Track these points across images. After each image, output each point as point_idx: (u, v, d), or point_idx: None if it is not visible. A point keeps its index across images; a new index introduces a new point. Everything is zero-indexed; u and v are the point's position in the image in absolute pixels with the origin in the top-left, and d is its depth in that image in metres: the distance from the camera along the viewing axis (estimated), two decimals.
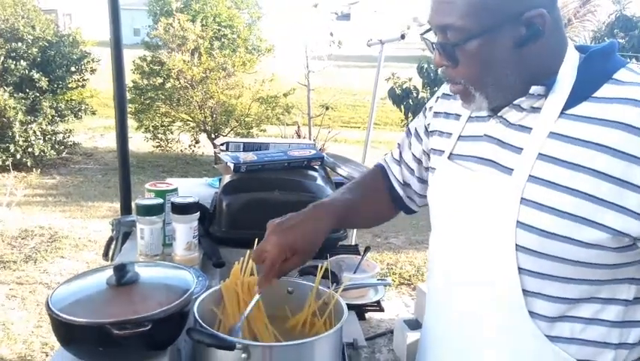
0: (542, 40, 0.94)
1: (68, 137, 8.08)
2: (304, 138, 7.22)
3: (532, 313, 0.98)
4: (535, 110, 0.98)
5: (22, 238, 5.15)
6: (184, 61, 7.93)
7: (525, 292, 0.97)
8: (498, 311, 1.01)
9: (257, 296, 1.13)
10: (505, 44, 0.94)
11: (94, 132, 9.42)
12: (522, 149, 0.98)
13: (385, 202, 1.36)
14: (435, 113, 1.23)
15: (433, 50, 1.02)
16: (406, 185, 1.34)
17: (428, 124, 1.25)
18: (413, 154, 1.31)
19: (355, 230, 3.95)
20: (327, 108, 7.90)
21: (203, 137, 8.50)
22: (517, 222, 0.96)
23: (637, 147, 0.88)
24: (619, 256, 0.94)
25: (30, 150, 7.30)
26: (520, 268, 0.97)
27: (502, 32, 0.93)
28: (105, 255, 1.73)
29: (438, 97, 1.24)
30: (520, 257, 0.96)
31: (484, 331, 1.05)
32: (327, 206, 1.22)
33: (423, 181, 1.31)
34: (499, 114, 1.03)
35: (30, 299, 3.99)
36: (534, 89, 0.96)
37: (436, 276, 1.18)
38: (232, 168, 1.68)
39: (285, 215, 1.16)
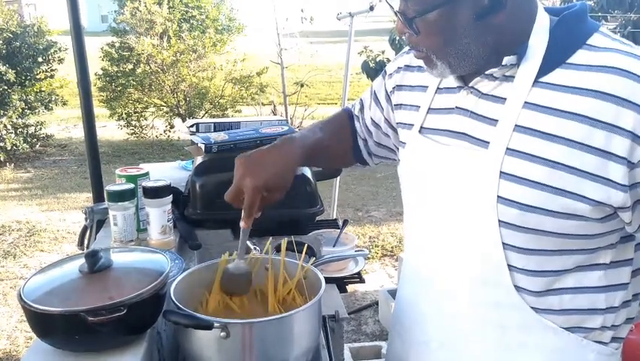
0: (505, 10, 0.91)
1: (40, 129, 7.94)
2: (281, 115, 7.19)
3: (517, 288, 0.97)
4: (508, 78, 0.96)
5: (0, 234, 5.08)
6: (153, 45, 7.80)
7: (510, 267, 0.96)
8: (482, 287, 1.00)
9: (246, 230, 1.13)
10: (465, 15, 0.92)
11: (67, 123, 9.28)
12: (497, 120, 0.95)
13: (348, 149, 1.35)
14: (397, 86, 1.20)
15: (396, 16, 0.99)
16: (365, 141, 1.33)
17: (390, 94, 1.23)
18: (372, 118, 1.29)
19: (335, 204, 3.96)
20: (301, 86, 7.85)
21: (177, 121, 8.41)
22: (498, 196, 0.93)
23: (615, 115, 0.86)
24: (602, 225, 0.93)
25: (2, 144, 7.16)
26: (504, 244, 0.95)
27: (462, 3, 0.91)
28: (80, 244, 1.71)
29: (399, 67, 1.21)
30: (503, 232, 0.94)
31: (467, 307, 1.03)
32: (298, 142, 1.19)
33: (380, 145, 1.31)
34: (470, 85, 1.00)
35: (12, 295, 3.95)
36: (507, 59, 0.94)
37: (413, 253, 1.17)
38: (203, 148, 1.66)
39: (253, 150, 1.14)
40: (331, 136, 1.29)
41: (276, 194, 1.12)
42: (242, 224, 1.13)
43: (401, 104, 1.19)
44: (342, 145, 1.34)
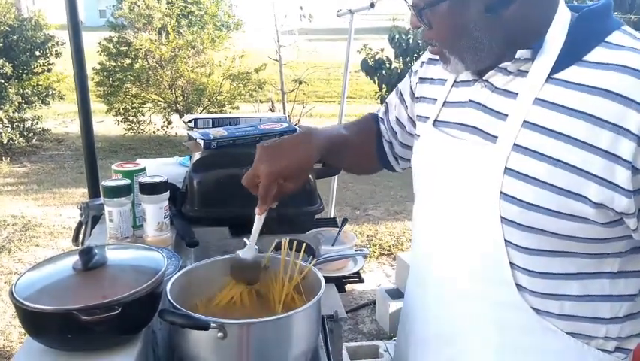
0: (516, 4, 0.89)
1: (37, 123, 7.91)
2: (279, 112, 7.16)
3: (519, 287, 0.95)
4: (522, 73, 0.93)
5: None
6: (151, 40, 7.78)
7: (512, 265, 0.94)
8: (483, 284, 0.98)
9: (260, 218, 1.13)
10: (475, 8, 0.90)
11: (64, 118, 9.23)
12: (507, 115, 0.94)
13: (372, 151, 1.35)
14: (420, 79, 1.20)
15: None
16: (390, 143, 1.33)
17: (414, 89, 1.22)
18: (397, 117, 1.29)
19: (333, 202, 3.94)
20: (300, 83, 7.84)
21: (175, 117, 8.39)
22: (501, 193, 0.91)
23: (622, 116, 0.82)
24: (607, 231, 0.90)
25: None
26: (505, 241, 0.93)
27: None
28: (75, 240, 1.68)
29: (424, 61, 1.21)
30: (505, 230, 0.92)
31: (467, 304, 1.02)
32: (319, 133, 1.19)
33: (405, 146, 1.30)
34: (484, 78, 0.98)
35: (6, 290, 3.92)
36: (520, 53, 0.91)
37: (419, 246, 1.15)
38: (202, 144, 1.63)
39: (275, 139, 1.15)
40: (355, 135, 1.29)
41: (291, 183, 1.12)
42: (256, 210, 1.13)
43: (421, 97, 1.18)
44: (365, 146, 1.34)
